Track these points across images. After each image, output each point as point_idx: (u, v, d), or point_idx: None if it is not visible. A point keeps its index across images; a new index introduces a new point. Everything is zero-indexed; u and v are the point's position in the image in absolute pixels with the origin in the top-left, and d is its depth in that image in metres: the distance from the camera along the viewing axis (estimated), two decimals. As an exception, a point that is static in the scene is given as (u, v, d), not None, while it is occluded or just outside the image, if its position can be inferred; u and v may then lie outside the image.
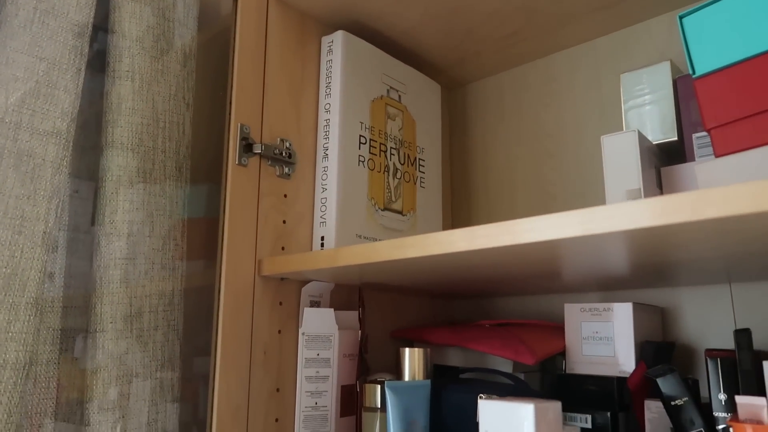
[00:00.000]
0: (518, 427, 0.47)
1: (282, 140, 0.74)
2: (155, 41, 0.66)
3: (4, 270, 0.52)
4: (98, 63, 0.65)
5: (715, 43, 0.58)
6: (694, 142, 0.72)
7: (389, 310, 0.86)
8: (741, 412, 0.49)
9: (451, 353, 0.81)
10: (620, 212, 0.43)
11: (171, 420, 0.66)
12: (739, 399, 0.50)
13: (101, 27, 0.65)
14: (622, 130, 0.77)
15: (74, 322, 0.60)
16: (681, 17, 0.60)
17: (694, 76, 0.59)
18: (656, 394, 0.63)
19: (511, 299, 0.93)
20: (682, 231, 0.43)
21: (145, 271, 0.62)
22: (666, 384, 0.63)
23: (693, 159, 0.72)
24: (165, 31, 0.67)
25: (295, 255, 0.65)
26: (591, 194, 0.87)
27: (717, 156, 0.57)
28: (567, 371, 0.75)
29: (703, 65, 0.59)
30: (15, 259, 0.53)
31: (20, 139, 0.54)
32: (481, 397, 0.60)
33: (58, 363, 0.58)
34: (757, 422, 0.46)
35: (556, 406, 0.49)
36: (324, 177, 0.77)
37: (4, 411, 0.51)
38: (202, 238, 0.73)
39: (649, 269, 0.62)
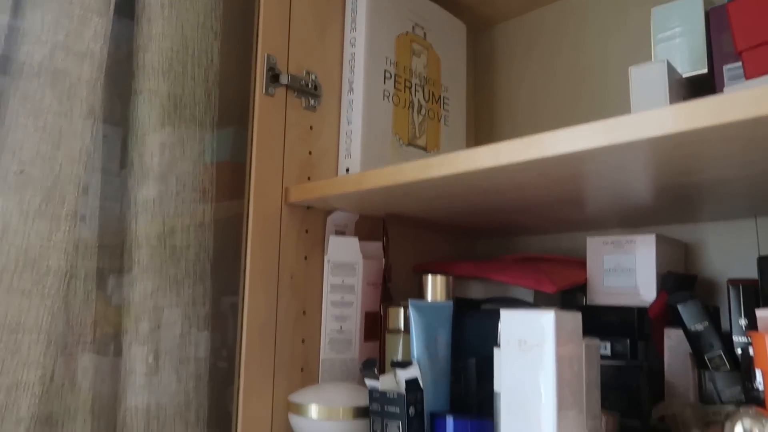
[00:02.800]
0: (539, 335, 0.48)
1: (308, 72, 0.75)
2: (183, -32, 0.67)
3: (44, 182, 0.55)
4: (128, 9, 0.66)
5: (750, -37, 0.57)
6: (725, 74, 0.71)
7: (412, 246, 0.88)
8: (761, 325, 0.50)
9: (473, 286, 0.83)
10: (645, 119, 0.43)
11: (202, 341, 0.69)
12: (759, 312, 0.50)
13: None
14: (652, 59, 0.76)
15: (108, 261, 0.62)
16: (716, -63, 0.59)
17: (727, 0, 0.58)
18: (676, 321, 0.63)
19: (533, 238, 0.94)
20: (707, 138, 0.43)
21: (176, 192, 0.64)
22: (686, 310, 0.63)
23: (722, 90, 0.71)
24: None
25: (322, 181, 0.66)
26: (616, 132, 0.86)
27: (747, 78, 0.56)
28: (588, 303, 0.76)
29: (736, -14, 0.57)
30: (54, 173, 0.55)
31: (56, 58, 0.56)
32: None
33: (95, 278, 0.61)
34: (777, 332, 0.47)
35: (576, 316, 0.50)
36: (349, 110, 0.77)
37: (48, 315, 0.54)
38: (230, 180, 0.74)
39: (672, 195, 0.62)
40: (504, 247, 0.97)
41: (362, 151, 0.76)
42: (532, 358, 0.48)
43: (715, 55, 0.72)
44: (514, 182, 0.57)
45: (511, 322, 0.50)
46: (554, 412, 0.46)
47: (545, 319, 0.48)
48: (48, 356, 0.54)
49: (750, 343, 0.50)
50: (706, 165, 0.50)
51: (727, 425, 0.42)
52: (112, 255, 0.62)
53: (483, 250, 1.00)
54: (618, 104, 0.87)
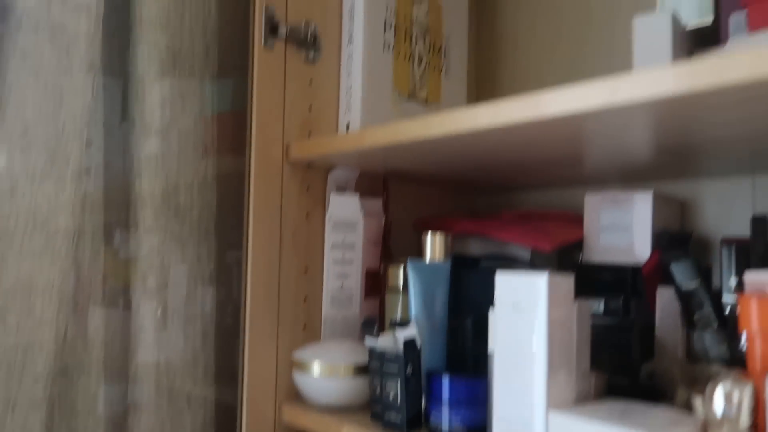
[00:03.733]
0: (532, 298, 0.49)
1: (307, 23, 0.74)
2: None
3: (49, 142, 0.55)
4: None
5: None
6: (731, 24, 0.70)
7: (412, 202, 0.89)
8: (748, 287, 0.51)
9: (471, 243, 0.84)
10: (647, 79, 0.43)
11: (208, 299, 0.70)
12: (748, 274, 0.51)
13: None
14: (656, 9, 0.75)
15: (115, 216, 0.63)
16: None
17: (736, -50, 0.56)
18: (669, 280, 0.65)
19: (533, 192, 0.94)
20: (710, 97, 0.43)
21: (178, 150, 0.64)
22: (678, 269, 0.65)
23: (726, 43, 0.70)
24: None
25: (322, 138, 0.67)
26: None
27: (751, 30, 0.56)
28: (584, 261, 0.77)
29: (746, -62, 0.56)
30: (58, 131, 0.55)
31: (53, 12, 0.55)
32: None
33: (103, 236, 0.62)
34: (762, 294, 0.48)
35: (568, 279, 0.51)
36: (349, 63, 0.76)
37: (59, 274, 0.56)
38: (231, 132, 0.74)
39: (672, 152, 0.62)
40: (504, 202, 0.98)
41: (362, 105, 0.75)
42: (525, 320, 0.50)
43: (721, 3, 0.70)
44: (514, 140, 0.58)
45: (506, 285, 0.52)
46: (545, 373, 0.48)
47: (539, 283, 0.49)
48: (61, 315, 0.56)
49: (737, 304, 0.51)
50: (707, 125, 0.50)
51: (709, 387, 0.44)
52: (118, 210, 0.63)
53: (483, 205, 1.01)
54: (625, 50, 0.86)
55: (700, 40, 0.73)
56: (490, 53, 1.01)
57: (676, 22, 0.67)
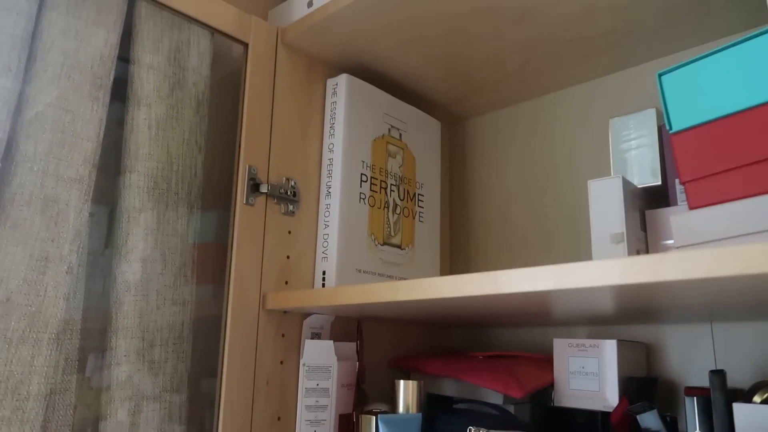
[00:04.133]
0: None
1: (287, 179, 0.79)
2: (171, 90, 0.71)
3: (29, 308, 0.57)
4: (118, 92, 0.70)
5: (691, 101, 0.62)
6: (677, 187, 0.76)
7: (387, 338, 0.90)
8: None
9: (446, 383, 0.85)
10: (591, 270, 0.47)
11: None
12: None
13: (120, 77, 0.70)
14: (611, 169, 0.81)
15: (88, 342, 0.64)
16: (660, 75, 0.64)
17: (670, 132, 0.63)
18: (637, 429, 0.66)
19: (505, 330, 0.97)
20: (649, 288, 0.46)
21: (156, 306, 0.66)
22: (645, 420, 0.66)
23: (676, 203, 0.75)
24: (180, 80, 0.73)
25: (297, 291, 0.69)
26: (583, 229, 0.91)
27: (691, 208, 0.61)
28: (555, 404, 0.78)
29: (679, 121, 0.63)
30: (39, 298, 0.57)
31: (46, 186, 0.59)
32: (470, 430, 0.64)
33: (75, 390, 0.62)
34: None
35: (534, 444, 0.52)
36: (326, 214, 0.81)
37: (26, 437, 0.56)
38: (211, 262, 0.77)
39: (631, 312, 0.66)
40: (477, 337, 1.00)
41: (338, 254, 0.79)
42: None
43: (668, 167, 0.77)
44: (477, 305, 0.61)
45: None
46: None
47: (504, 449, 0.51)
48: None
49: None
50: (659, 298, 0.54)
51: None
52: (92, 346, 0.64)
53: (458, 340, 1.03)
54: (582, 199, 0.92)
55: (651, 198, 0.79)
56: (462, 195, 1.08)
57: (626, 184, 0.73)
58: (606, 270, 0.46)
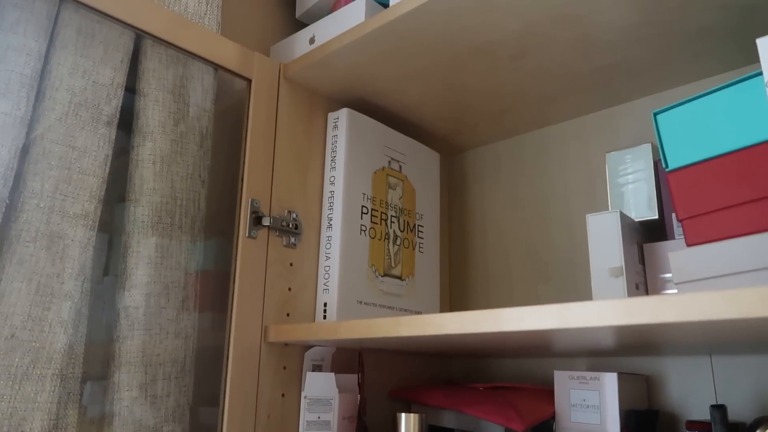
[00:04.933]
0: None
1: (289, 212, 0.80)
2: (175, 125, 0.72)
3: (33, 344, 0.57)
4: (123, 123, 0.71)
5: (686, 140, 0.64)
6: (674, 221, 0.77)
7: (389, 369, 0.91)
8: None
9: (447, 415, 0.85)
10: (592, 310, 0.47)
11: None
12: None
13: (127, 109, 0.71)
14: (608, 203, 0.82)
15: (91, 376, 0.64)
16: (655, 114, 0.66)
17: (666, 170, 0.64)
18: (639, 464, 0.66)
19: (506, 361, 0.97)
20: (650, 328, 0.47)
21: (159, 340, 0.66)
22: (647, 455, 0.66)
23: (673, 237, 0.76)
24: (185, 115, 0.74)
25: (299, 325, 0.70)
26: (581, 261, 0.92)
27: (688, 245, 0.62)
28: (556, 437, 0.78)
29: (675, 160, 0.64)
30: (44, 334, 0.58)
31: (52, 222, 0.60)
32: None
33: (77, 425, 0.62)
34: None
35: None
36: (328, 246, 0.82)
37: (27, 475, 0.55)
38: (214, 290, 0.77)
39: (631, 346, 0.67)
40: (478, 368, 1.00)
41: (339, 285, 0.80)
42: None
43: (664, 201, 0.78)
44: (479, 340, 0.61)
45: (476, 488, 0.53)
46: None
47: (507, 488, 0.51)
48: None
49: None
50: (659, 335, 0.55)
51: None
52: (95, 400, 0.64)
53: (459, 370, 1.03)
54: (580, 231, 0.93)
55: (649, 231, 0.80)
56: (461, 225, 1.09)
57: (624, 218, 0.74)
58: (607, 310, 0.46)
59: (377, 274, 0.85)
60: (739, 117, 0.60)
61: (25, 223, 0.59)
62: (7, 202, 0.58)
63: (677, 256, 0.62)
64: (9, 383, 0.55)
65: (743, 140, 0.60)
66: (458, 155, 1.12)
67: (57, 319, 0.58)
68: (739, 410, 0.74)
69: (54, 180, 0.61)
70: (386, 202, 0.89)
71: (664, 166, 0.65)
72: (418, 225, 0.95)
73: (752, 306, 0.40)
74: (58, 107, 0.63)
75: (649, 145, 0.80)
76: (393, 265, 0.88)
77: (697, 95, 0.63)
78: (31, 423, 0.56)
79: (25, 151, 0.61)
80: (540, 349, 0.73)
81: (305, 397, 0.75)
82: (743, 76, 0.60)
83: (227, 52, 0.78)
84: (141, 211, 0.67)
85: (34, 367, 0.57)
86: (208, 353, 0.76)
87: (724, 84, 0.61)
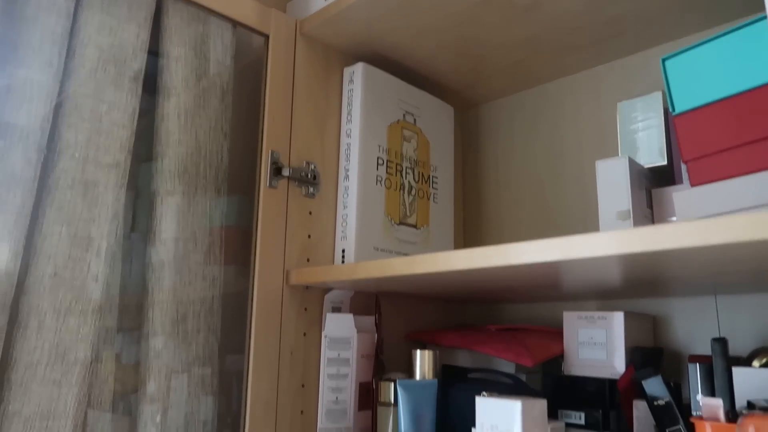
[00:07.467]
0: (508, 420, 0.55)
1: (308, 163, 0.83)
2: (198, 80, 0.76)
3: (74, 282, 0.62)
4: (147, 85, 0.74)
5: (693, 84, 0.65)
6: (682, 166, 0.79)
7: (405, 314, 0.95)
8: (704, 411, 0.56)
9: (460, 355, 0.89)
10: (593, 241, 0.50)
11: (209, 411, 0.75)
12: (702, 399, 0.57)
13: (151, 68, 0.74)
14: (619, 152, 0.84)
15: (126, 315, 0.70)
16: (664, 60, 0.67)
17: (673, 114, 0.66)
18: (642, 395, 0.70)
19: (518, 305, 1.01)
20: (648, 257, 0.50)
21: (189, 281, 0.71)
22: (650, 386, 0.70)
23: (681, 181, 0.78)
24: (206, 71, 0.77)
25: (319, 267, 0.74)
26: (591, 210, 0.94)
27: (692, 185, 0.64)
28: (565, 373, 0.82)
29: (682, 104, 0.66)
30: (83, 273, 0.63)
31: (87, 171, 0.64)
32: (481, 395, 0.68)
33: (115, 359, 0.68)
34: (715, 420, 0.53)
35: (541, 403, 0.57)
36: (345, 196, 0.85)
37: (74, 401, 0.61)
38: (238, 244, 0.82)
39: (636, 283, 0.69)
40: (491, 312, 1.04)
41: (357, 233, 0.83)
42: (502, 443, 0.55)
43: (673, 148, 0.80)
44: (488, 277, 0.65)
45: (485, 409, 0.57)
46: (521, 494, 0.52)
47: (514, 408, 0.55)
48: (74, 437, 0.61)
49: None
50: (661, 268, 0.57)
51: None
52: (130, 319, 0.69)
53: (472, 314, 1.07)
54: (591, 180, 0.95)
55: (658, 178, 0.82)
56: (475, 177, 1.11)
57: (633, 164, 0.76)
58: (607, 241, 0.49)
59: (393, 222, 0.89)
60: (744, 60, 0.62)
61: (62, 172, 0.63)
62: (45, 152, 0.62)
63: (681, 195, 0.64)
64: (55, 317, 0.60)
65: (748, 83, 0.61)
66: (472, 109, 1.14)
67: (95, 260, 0.63)
68: (742, 347, 0.77)
69: (87, 131, 0.65)
70: (401, 154, 0.92)
71: (671, 110, 0.66)
72: (433, 176, 0.97)
73: (743, 231, 0.43)
74: (88, 63, 0.66)
75: (660, 93, 0.81)
76: (408, 214, 0.92)
77: (703, 40, 0.64)
78: (75, 353, 0.61)
79: (59, 105, 0.64)
80: (549, 288, 0.76)
81: (326, 336, 0.80)
82: (748, 20, 0.61)
83: (245, 9, 0.80)
84: (167, 162, 0.71)
85: (76, 303, 0.62)
86: (234, 300, 0.81)
87: (730, 29, 0.62)
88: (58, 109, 0.64)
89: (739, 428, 0.45)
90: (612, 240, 0.49)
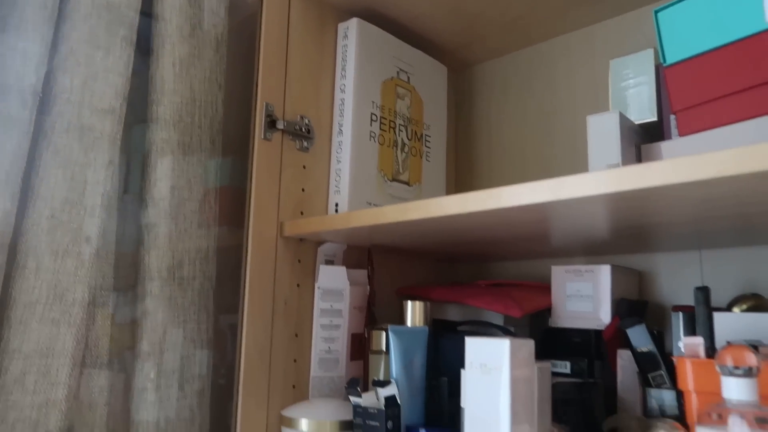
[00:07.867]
0: (497, 358, 0.56)
1: (302, 117, 0.84)
2: (192, 29, 0.75)
3: (71, 225, 0.63)
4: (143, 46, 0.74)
5: (684, 35, 0.66)
6: (672, 122, 0.80)
7: (396, 273, 0.96)
8: (685, 350, 0.58)
9: (450, 309, 0.91)
10: (584, 181, 0.51)
11: (204, 361, 0.77)
12: (684, 339, 0.59)
13: (146, 14, 0.74)
14: (610, 108, 0.85)
15: (123, 260, 0.70)
16: (656, 12, 0.68)
17: (664, 65, 0.67)
18: (626, 343, 0.72)
19: (507, 263, 1.03)
20: (637, 196, 0.51)
21: (184, 229, 0.72)
22: (634, 334, 0.72)
23: (670, 137, 0.80)
24: (201, 21, 0.77)
25: (313, 218, 0.75)
26: (582, 169, 0.95)
27: (681, 135, 0.65)
28: (552, 325, 0.84)
29: (673, 55, 0.67)
30: (80, 216, 0.63)
31: (83, 115, 0.64)
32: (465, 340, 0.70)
33: (112, 302, 0.69)
34: (695, 356, 0.55)
35: (529, 343, 0.58)
36: (339, 150, 0.86)
37: (73, 341, 0.62)
38: (231, 204, 0.83)
39: (624, 232, 0.71)
40: (481, 271, 1.06)
41: (350, 187, 0.84)
42: (492, 379, 0.57)
43: (663, 104, 0.81)
44: (482, 223, 0.66)
45: (474, 349, 0.59)
46: (509, 427, 0.54)
47: (502, 346, 0.57)
48: (72, 377, 0.62)
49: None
50: (646, 213, 0.59)
51: (648, 436, 0.51)
52: (125, 277, 0.70)
53: (462, 273, 1.09)
54: (582, 137, 0.96)
55: (648, 134, 0.83)
56: (467, 137, 1.12)
57: (623, 120, 0.77)
58: (597, 180, 0.51)
59: (386, 178, 0.90)
60: (735, 10, 0.63)
61: (58, 116, 0.63)
62: (41, 95, 0.62)
63: (669, 145, 0.65)
64: (52, 258, 0.61)
65: (737, 33, 0.62)
66: (466, 70, 1.15)
67: (91, 203, 0.64)
68: (725, 300, 0.79)
69: (82, 76, 0.65)
70: (395, 111, 0.93)
71: (662, 61, 0.67)
72: (425, 135, 0.98)
73: (726, 165, 0.44)
74: (83, 8, 0.66)
75: (652, 50, 0.82)
76: (401, 171, 0.93)
77: (695, -9, 0.65)
78: (73, 294, 0.62)
79: (54, 48, 0.64)
80: (539, 241, 0.78)
81: (319, 287, 0.81)
82: (740, -31, 0.62)
83: (239, -41, 0.79)
84: (163, 110, 0.71)
85: (73, 245, 0.62)
86: (229, 253, 0.82)
87: (722, -22, 0.63)
88: (53, 52, 0.64)
89: (718, 359, 0.47)
90: (601, 179, 0.50)
